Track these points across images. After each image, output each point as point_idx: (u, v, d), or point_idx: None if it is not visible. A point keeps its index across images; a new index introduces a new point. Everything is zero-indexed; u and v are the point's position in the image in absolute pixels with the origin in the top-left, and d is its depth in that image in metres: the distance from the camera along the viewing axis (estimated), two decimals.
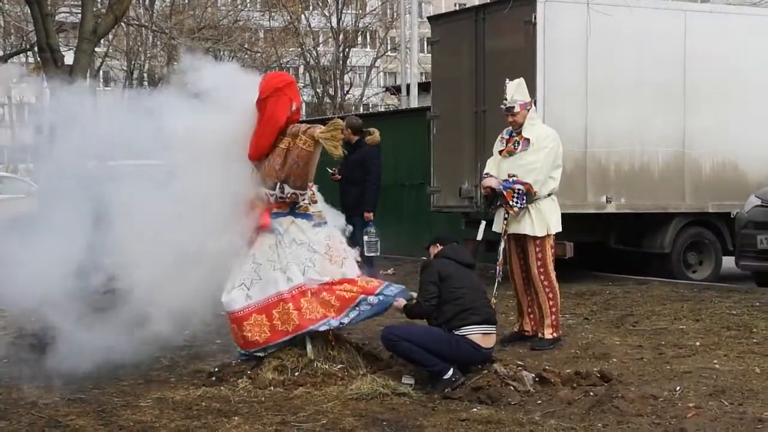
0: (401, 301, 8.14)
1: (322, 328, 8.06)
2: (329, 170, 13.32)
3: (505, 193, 9.31)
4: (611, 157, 14.54)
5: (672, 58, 14.87)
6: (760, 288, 13.64)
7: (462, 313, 7.73)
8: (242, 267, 8.30)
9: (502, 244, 9.51)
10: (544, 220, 9.38)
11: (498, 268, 9.53)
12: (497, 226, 9.59)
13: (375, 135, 13.62)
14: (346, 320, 8.10)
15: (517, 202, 9.28)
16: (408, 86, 27.42)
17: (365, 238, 13.02)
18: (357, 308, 8.14)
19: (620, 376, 7.91)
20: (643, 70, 14.63)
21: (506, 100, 9.48)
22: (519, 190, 9.27)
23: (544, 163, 9.35)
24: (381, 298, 8.20)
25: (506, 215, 9.38)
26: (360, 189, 13.47)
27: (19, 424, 6.86)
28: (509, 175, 9.34)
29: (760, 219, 13.67)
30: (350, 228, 9.11)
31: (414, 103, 25.77)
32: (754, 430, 6.43)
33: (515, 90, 9.48)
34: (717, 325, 10.40)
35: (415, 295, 8.17)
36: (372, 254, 13.11)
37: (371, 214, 13.48)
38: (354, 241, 11.67)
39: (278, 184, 8.17)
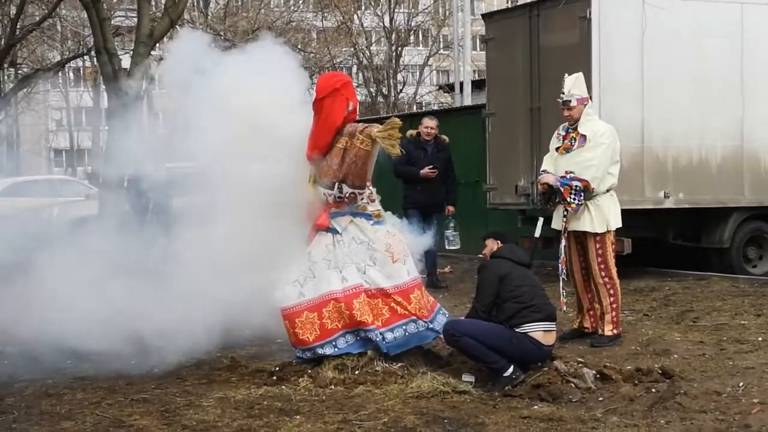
0: None
1: (369, 334, 8.06)
2: (429, 168, 13.67)
3: (562, 189, 9.27)
4: (669, 152, 14.42)
5: (729, 50, 14.72)
6: None
7: (523, 310, 7.72)
8: (298, 264, 8.33)
9: (563, 242, 9.47)
10: (603, 217, 9.33)
11: (561, 266, 9.48)
12: (556, 224, 9.55)
13: None
14: (389, 336, 8.07)
15: (574, 199, 9.24)
16: (461, 84, 27.35)
17: (448, 232, 13.31)
18: (403, 327, 8.15)
19: (682, 373, 7.85)
20: (700, 64, 14.49)
21: (563, 93, 9.45)
22: (576, 186, 9.23)
23: (601, 160, 9.30)
24: (429, 327, 8.24)
25: (565, 212, 9.34)
26: (444, 186, 13.99)
27: (84, 425, 6.94)
28: (566, 172, 9.31)
29: None
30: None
31: (467, 101, 25.70)
32: None
33: (573, 84, 9.45)
34: None
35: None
36: (454, 247, 13.77)
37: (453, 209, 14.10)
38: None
39: (336, 183, 8.19)
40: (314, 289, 8.20)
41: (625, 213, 9.79)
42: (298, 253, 8.41)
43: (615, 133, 9.58)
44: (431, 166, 13.77)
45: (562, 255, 9.49)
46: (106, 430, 6.78)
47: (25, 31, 25.94)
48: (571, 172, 9.28)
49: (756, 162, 15.04)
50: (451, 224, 14.01)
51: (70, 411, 7.32)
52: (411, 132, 14.10)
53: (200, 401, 7.49)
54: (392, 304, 8.14)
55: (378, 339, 8.02)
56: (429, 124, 14.14)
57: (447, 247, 13.59)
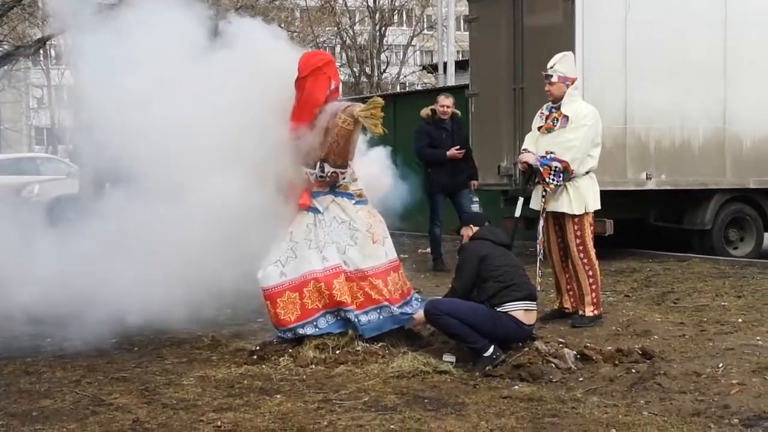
0: (420, 315, 8.13)
1: (347, 314, 8.07)
2: (456, 149, 13.37)
3: (542, 169, 9.26)
4: (651, 134, 14.42)
5: (712, 32, 14.70)
6: None
7: (504, 289, 7.73)
8: (279, 244, 8.32)
9: (541, 222, 9.46)
10: (581, 198, 9.32)
11: (539, 246, 9.49)
12: (535, 204, 9.54)
13: None
14: (363, 318, 8.10)
15: (553, 179, 9.22)
16: (445, 64, 27.31)
17: (475, 207, 13.10)
18: (377, 311, 8.16)
19: (662, 353, 7.86)
20: (683, 45, 14.47)
21: (547, 67, 9.43)
22: (556, 167, 9.21)
23: (582, 142, 9.28)
24: (402, 311, 8.26)
25: (544, 193, 9.33)
26: (465, 162, 13.71)
27: (64, 403, 6.92)
28: (547, 152, 9.29)
29: None
30: None
31: (451, 81, 25.66)
32: None
33: (558, 60, 9.41)
34: (759, 301, 10.32)
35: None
36: None
37: None
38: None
39: (318, 163, 8.17)
40: (295, 269, 8.19)
41: (607, 194, 9.81)
42: (279, 233, 8.39)
43: (597, 115, 9.55)
44: (457, 147, 13.47)
45: (540, 235, 9.48)
46: (86, 409, 6.76)
47: (6, 7, 25.72)
48: (551, 152, 9.26)
49: (738, 144, 15.06)
50: (475, 199, 13.83)
51: (49, 389, 7.31)
52: (426, 111, 13.76)
53: (180, 380, 7.48)
54: (367, 288, 8.15)
55: (355, 320, 8.03)
56: (445, 102, 13.61)
57: None
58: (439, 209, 13.69)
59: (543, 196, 9.36)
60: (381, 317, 8.16)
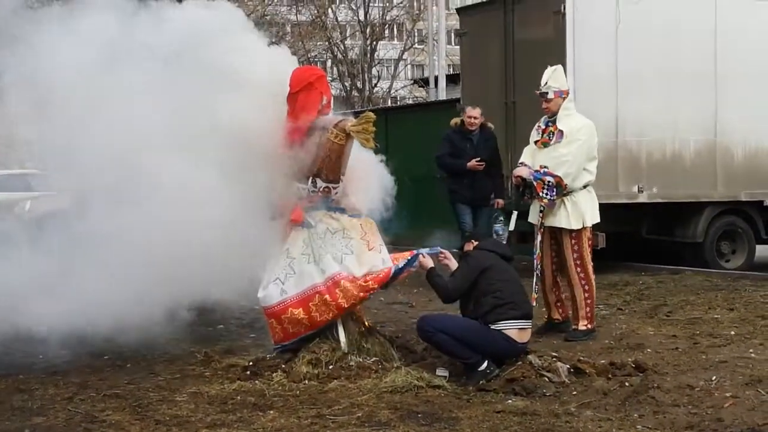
0: (428, 261, 8.13)
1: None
2: (476, 161, 13.07)
3: (535, 184, 9.26)
4: (642, 147, 14.48)
5: (702, 45, 14.79)
6: None
7: (500, 307, 7.68)
8: (277, 262, 8.30)
9: (539, 237, 9.45)
10: (579, 213, 9.32)
11: (536, 261, 9.48)
12: (533, 218, 9.54)
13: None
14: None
15: (547, 194, 9.22)
16: (436, 78, 27.40)
17: (498, 226, 12.78)
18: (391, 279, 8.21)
19: (655, 366, 7.87)
20: (674, 58, 14.56)
21: (541, 86, 9.42)
22: (549, 182, 9.22)
23: (576, 156, 9.27)
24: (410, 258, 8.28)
25: (542, 207, 9.33)
26: (491, 178, 13.36)
27: (57, 420, 6.88)
28: (541, 167, 9.29)
29: None
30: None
31: (442, 95, 25.75)
32: None
33: (550, 76, 9.41)
34: (752, 314, 10.35)
35: (444, 251, 8.26)
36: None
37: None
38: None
39: (310, 178, 8.17)
40: (296, 285, 8.16)
41: (599, 207, 9.80)
42: (275, 251, 8.38)
43: (593, 129, 9.55)
44: (478, 159, 13.10)
45: (538, 251, 9.48)
46: (78, 426, 6.72)
47: None
48: (545, 167, 9.26)
49: (729, 157, 15.12)
50: (501, 218, 13.60)
51: (42, 406, 7.26)
52: (455, 120, 13.54)
53: (173, 396, 7.45)
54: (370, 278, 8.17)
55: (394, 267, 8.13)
56: (472, 113, 13.31)
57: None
58: (464, 218, 13.29)
59: (541, 211, 9.35)
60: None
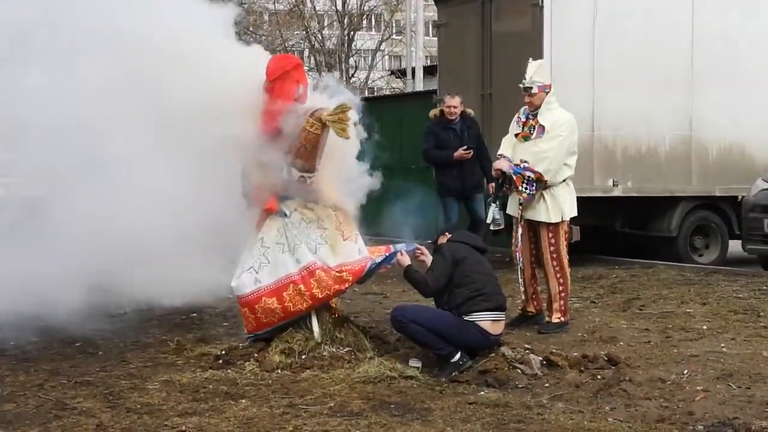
0: (405, 259, 8.13)
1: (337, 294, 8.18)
2: (463, 149, 12.78)
3: (514, 178, 9.25)
4: (618, 141, 14.51)
5: (679, 40, 14.83)
6: (767, 272, 13.63)
7: (474, 298, 7.69)
8: (251, 251, 8.28)
9: (519, 230, 9.44)
10: (558, 207, 9.33)
11: (518, 254, 9.48)
12: (512, 210, 9.54)
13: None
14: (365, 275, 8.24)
15: (526, 188, 9.22)
16: (413, 70, 27.40)
17: (493, 211, 12.39)
18: (368, 271, 8.24)
19: (627, 360, 7.90)
20: (651, 53, 14.59)
21: (524, 80, 9.40)
22: (529, 177, 9.21)
23: (557, 152, 9.27)
24: (387, 255, 8.31)
25: (521, 200, 9.33)
26: (480, 163, 12.99)
27: (27, 407, 6.85)
28: (521, 161, 9.28)
29: (767, 203, 13.64)
30: None
31: (419, 86, 25.76)
32: (762, 413, 6.41)
33: (535, 71, 9.39)
34: (724, 308, 10.40)
35: (421, 248, 8.31)
36: (499, 227, 12.44)
37: None
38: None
39: (285, 167, 8.14)
40: (270, 275, 8.14)
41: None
42: (249, 240, 8.36)
43: (574, 124, 9.54)
44: (465, 147, 12.79)
45: (519, 243, 9.47)
46: (49, 413, 6.69)
47: None
48: (525, 161, 9.25)
49: (704, 152, 15.18)
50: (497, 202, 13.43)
51: (12, 393, 7.23)
52: (434, 111, 13.32)
53: (145, 384, 7.42)
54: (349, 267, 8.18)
55: (368, 264, 8.17)
56: (450, 102, 13.01)
57: (492, 228, 11.03)
58: (451, 213, 13.09)
59: (520, 204, 9.35)
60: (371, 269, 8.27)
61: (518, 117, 9.61)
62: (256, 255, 8.23)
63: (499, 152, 9.61)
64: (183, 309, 10.04)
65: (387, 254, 8.27)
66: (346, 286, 8.18)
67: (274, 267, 8.16)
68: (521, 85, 9.44)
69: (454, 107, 12.99)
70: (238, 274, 8.24)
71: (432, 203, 16.86)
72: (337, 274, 8.06)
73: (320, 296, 8.04)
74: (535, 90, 9.35)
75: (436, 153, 13.11)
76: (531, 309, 9.67)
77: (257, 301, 8.12)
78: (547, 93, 9.41)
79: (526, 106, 9.50)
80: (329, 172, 8.35)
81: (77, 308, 8.91)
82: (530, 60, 9.55)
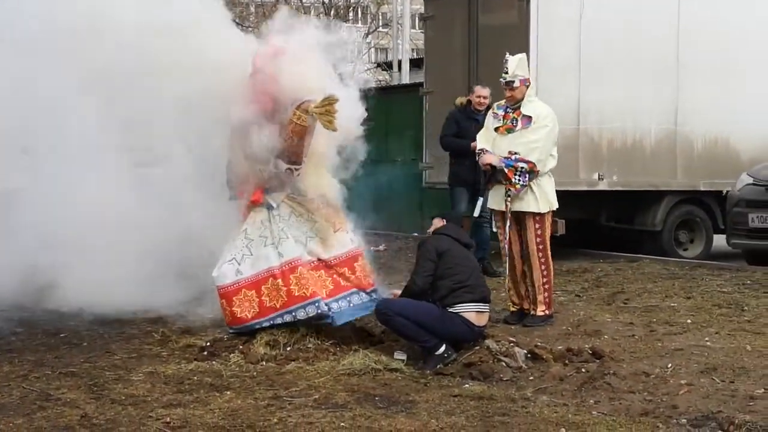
0: (395, 293, 8.15)
1: (308, 309, 8.02)
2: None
3: (506, 170, 9.24)
4: (603, 134, 14.52)
5: (665, 33, 14.85)
6: (751, 266, 13.67)
7: (457, 290, 7.70)
8: (234, 242, 8.27)
9: (508, 224, 9.42)
10: (545, 197, 9.35)
11: (507, 247, 9.46)
12: (494, 204, 9.52)
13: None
14: (334, 306, 8.08)
15: (519, 180, 9.23)
16: (399, 62, 27.31)
17: (479, 205, 12.07)
18: (347, 299, 8.16)
19: (612, 353, 7.91)
20: (637, 46, 14.60)
21: (506, 74, 9.39)
22: (522, 168, 9.21)
23: (545, 143, 9.29)
24: (372, 297, 8.28)
25: (508, 193, 9.31)
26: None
27: (11, 398, 6.83)
28: (510, 153, 9.27)
29: (752, 197, 13.68)
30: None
31: (405, 79, 25.65)
32: (746, 407, 6.43)
33: (517, 65, 9.39)
34: (708, 302, 10.43)
35: (396, 292, 8.22)
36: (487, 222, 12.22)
37: None
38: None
39: (272, 159, 8.12)
40: (252, 267, 8.15)
41: (559, 194, 9.82)
42: (233, 231, 8.35)
43: (555, 117, 9.58)
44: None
45: (508, 236, 9.45)
46: (33, 404, 6.67)
47: None
48: (516, 153, 9.25)
49: (689, 146, 15.21)
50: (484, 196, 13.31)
51: None
52: (461, 100, 13.21)
53: (129, 375, 7.41)
54: (335, 275, 8.15)
55: (324, 309, 7.99)
56: (482, 93, 12.84)
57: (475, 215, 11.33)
58: (459, 203, 12.90)
59: (508, 197, 9.32)
60: (351, 305, 8.15)
61: (494, 112, 9.61)
62: (239, 246, 8.22)
63: (479, 147, 9.60)
64: (168, 300, 10.01)
65: (367, 303, 8.26)
66: (324, 294, 8.11)
67: (256, 259, 8.16)
68: (502, 80, 9.43)
69: (484, 98, 12.84)
70: (219, 264, 8.23)
71: (416, 196, 16.93)
72: (323, 276, 8.08)
73: (296, 294, 8.02)
74: (516, 83, 9.36)
75: (453, 141, 12.99)
76: (527, 306, 9.59)
77: (237, 292, 8.11)
78: (527, 87, 9.42)
79: (503, 101, 9.52)
80: (316, 163, 8.34)
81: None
82: (507, 54, 9.53)
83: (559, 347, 8.04)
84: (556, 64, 13.93)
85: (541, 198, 9.33)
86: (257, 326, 8.10)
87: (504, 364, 7.49)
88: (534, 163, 9.20)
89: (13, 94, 8.51)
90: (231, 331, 8.29)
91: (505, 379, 7.26)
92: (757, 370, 7.37)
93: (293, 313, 8.06)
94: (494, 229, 9.99)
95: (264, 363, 7.71)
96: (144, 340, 8.66)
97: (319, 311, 7.99)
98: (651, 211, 15.20)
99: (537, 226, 9.37)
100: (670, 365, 7.54)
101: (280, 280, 8.03)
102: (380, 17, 48.14)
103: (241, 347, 7.99)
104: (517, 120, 9.37)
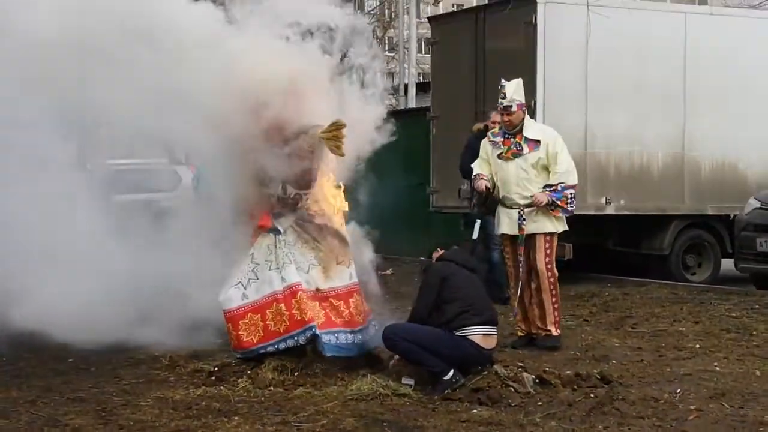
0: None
1: (307, 333, 8.00)
2: None
3: (559, 202, 9.25)
4: (611, 159, 14.54)
5: (672, 59, 14.89)
6: (759, 290, 13.65)
7: (463, 313, 7.68)
8: (240, 266, 8.28)
9: (521, 247, 9.41)
10: (560, 217, 9.39)
11: (521, 270, 9.44)
12: (509, 229, 9.44)
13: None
14: (325, 338, 8.04)
15: (572, 206, 9.31)
16: (406, 86, 27.39)
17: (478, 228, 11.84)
18: (335, 335, 8.13)
19: (620, 378, 7.90)
20: (643, 72, 14.65)
21: (503, 98, 9.41)
22: (571, 194, 9.28)
23: (570, 161, 9.39)
24: (358, 338, 8.27)
25: (523, 217, 9.29)
26: None
27: (19, 423, 6.82)
28: (556, 185, 9.26)
29: (760, 221, 13.67)
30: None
31: (412, 103, 25.75)
32: None
33: (514, 90, 9.43)
34: (716, 327, 10.41)
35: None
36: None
37: None
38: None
39: (281, 184, 8.14)
40: (257, 291, 8.15)
41: (566, 218, 9.83)
42: (240, 255, 8.36)
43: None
44: None
45: (521, 260, 9.41)
46: (41, 429, 6.67)
47: None
48: (561, 183, 9.25)
49: (696, 170, 15.21)
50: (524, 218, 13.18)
51: (4, 409, 7.20)
52: (478, 126, 13.06)
53: (137, 401, 7.40)
54: (328, 309, 8.15)
55: (317, 337, 7.98)
56: (497, 119, 12.14)
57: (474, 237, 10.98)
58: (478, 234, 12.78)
59: (523, 220, 9.31)
60: (338, 341, 8.13)
61: (491, 141, 9.62)
62: (245, 270, 8.24)
63: (476, 173, 9.64)
64: (176, 325, 10.01)
65: (353, 344, 8.26)
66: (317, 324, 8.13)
67: (261, 283, 8.17)
68: (500, 105, 9.46)
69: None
70: (225, 288, 8.25)
71: (422, 220, 16.89)
72: (320, 305, 8.08)
73: (297, 318, 8.02)
74: (514, 108, 9.39)
75: (471, 167, 12.89)
76: (535, 330, 9.58)
77: (242, 316, 8.12)
78: (524, 111, 9.47)
79: (496, 128, 9.61)
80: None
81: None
82: (503, 80, 9.54)
83: (568, 372, 8.01)
84: (562, 88, 13.98)
85: (557, 218, 9.36)
86: (261, 351, 8.09)
87: (512, 389, 7.46)
88: (576, 184, 9.37)
89: None
90: (238, 356, 8.28)
91: (513, 404, 7.23)
92: (767, 396, 7.35)
93: (295, 338, 8.05)
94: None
95: (272, 388, 7.69)
96: (152, 365, 8.66)
97: (315, 335, 8.00)
98: (659, 236, 15.20)
99: (547, 246, 9.38)
100: (679, 390, 7.51)
101: (282, 305, 8.04)
102: (387, 41, 48.26)
103: (249, 372, 7.98)
104: (520, 144, 9.38)
